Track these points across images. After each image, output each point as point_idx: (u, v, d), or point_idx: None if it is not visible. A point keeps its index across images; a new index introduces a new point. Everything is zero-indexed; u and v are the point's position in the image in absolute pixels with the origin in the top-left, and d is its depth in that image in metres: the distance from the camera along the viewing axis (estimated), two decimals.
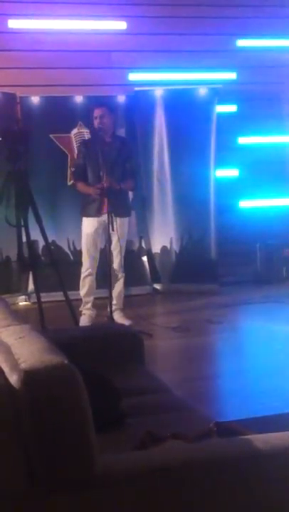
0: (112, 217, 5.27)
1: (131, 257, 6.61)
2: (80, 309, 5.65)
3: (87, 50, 6.78)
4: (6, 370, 1.82)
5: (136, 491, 1.78)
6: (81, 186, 5.70)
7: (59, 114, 6.58)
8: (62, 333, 3.39)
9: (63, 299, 4.96)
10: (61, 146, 6.63)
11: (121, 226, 5.54)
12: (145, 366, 3.17)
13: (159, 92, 6.83)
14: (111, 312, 5.46)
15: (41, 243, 5.73)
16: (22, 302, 6.53)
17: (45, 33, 6.70)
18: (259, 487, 1.87)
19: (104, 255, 5.66)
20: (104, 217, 5.43)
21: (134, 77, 6.95)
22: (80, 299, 5.69)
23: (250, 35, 7.22)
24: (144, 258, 6.99)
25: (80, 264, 5.77)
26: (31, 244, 4.88)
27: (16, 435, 1.70)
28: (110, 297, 5.45)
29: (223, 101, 6.90)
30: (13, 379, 1.74)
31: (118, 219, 5.40)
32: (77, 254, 6.18)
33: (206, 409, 3.07)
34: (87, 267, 5.67)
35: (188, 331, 5.45)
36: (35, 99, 6.56)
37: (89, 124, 6.16)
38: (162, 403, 2.68)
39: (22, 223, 4.73)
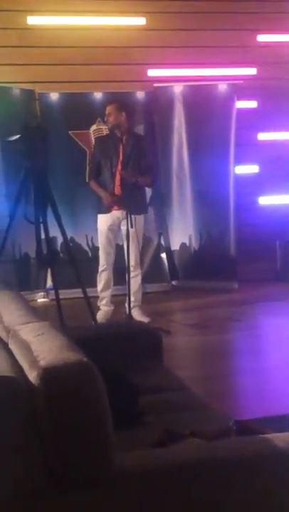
0: (128, 215, 5.27)
1: (150, 254, 6.60)
2: (98, 305, 5.66)
3: (106, 46, 6.77)
4: (26, 367, 1.82)
5: (153, 488, 1.77)
6: (93, 185, 5.73)
7: (78, 110, 6.58)
8: (81, 330, 3.40)
9: (82, 295, 4.97)
10: (80, 143, 6.64)
11: (137, 223, 5.53)
12: (163, 364, 3.16)
13: (178, 88, 6.80)
14: (129, 309, 5.46)
15: (60, 240, 5.74)
16: (41, 299, 6.56)
17: (63, 29, 6.71)
18: (279, 486, 1.85)
19: (121, 252, 5.66)
20: (118, 213, 5.43)
21: (153, 73, 6.93)
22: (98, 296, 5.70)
23: (270, 31, 7.16)
24: (163, 255, 6.99)
25: (98, 260, 5.78)
26: (50, 241, 4.89)
27: (34, 433, 1.70)
28: (128, 294, 5.45)
29: (243, 97, 6.86)
30: (32, 376, 1.73)
31: (134, 216, 5.41)
32: (96, 250, 6.17)
33: (224, 407, 3.05)
34: (102, 263, 5.70)
35: (206, 328, 5.44)
36: (53, 96, 6.57)
37: None
38: (180, 401, 2.67)
39: (41, 220, 4.74)
